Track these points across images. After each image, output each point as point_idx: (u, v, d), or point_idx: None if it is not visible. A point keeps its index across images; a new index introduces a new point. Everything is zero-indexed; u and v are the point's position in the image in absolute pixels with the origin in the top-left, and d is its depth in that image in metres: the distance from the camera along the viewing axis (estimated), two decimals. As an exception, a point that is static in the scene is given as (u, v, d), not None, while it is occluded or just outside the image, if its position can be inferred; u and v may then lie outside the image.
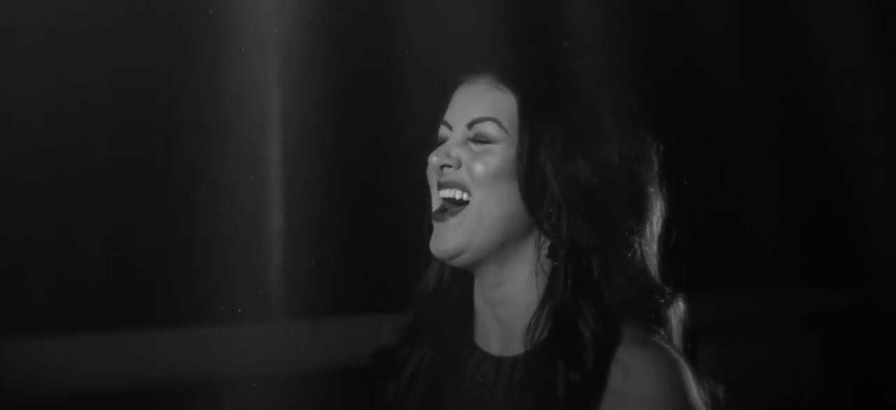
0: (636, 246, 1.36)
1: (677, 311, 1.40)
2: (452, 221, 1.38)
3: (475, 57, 1.45)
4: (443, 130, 1.44)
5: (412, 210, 1.46)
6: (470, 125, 1.39)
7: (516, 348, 1.39)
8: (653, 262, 1.39)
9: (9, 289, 2.64)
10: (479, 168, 1.36)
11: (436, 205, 1.42)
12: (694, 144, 3.93)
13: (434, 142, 1.44)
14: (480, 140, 1.38)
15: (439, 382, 1.45)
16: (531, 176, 1.34)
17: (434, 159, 1.40)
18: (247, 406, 2.92)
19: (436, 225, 1.40)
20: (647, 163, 1.39)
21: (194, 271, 2.80)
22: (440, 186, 1.41)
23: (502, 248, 1.38)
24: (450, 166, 1.39)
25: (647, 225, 1.38)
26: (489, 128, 1.37)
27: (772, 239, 4.24)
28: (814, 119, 4.35)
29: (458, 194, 1.38)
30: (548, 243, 1.36)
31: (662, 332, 1.36)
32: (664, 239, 1.42)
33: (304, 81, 3.03)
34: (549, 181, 1.34)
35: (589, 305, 1.33)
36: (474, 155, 1.37)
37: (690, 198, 1.51)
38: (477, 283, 1.44)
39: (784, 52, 4.27)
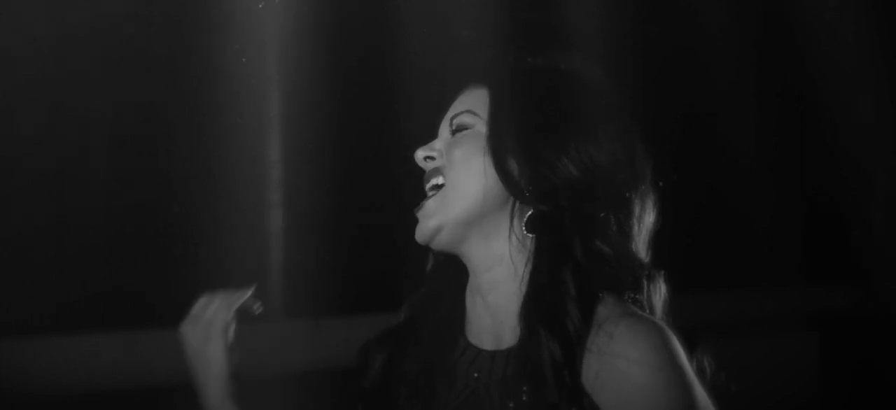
0: (614, 220, 1.38)
1: (660, 291, 1.41)
2: (430, 203, 1.42)
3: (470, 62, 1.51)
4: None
5: (412, 210, 1.47)
6: (451, 122, 1.46)
7: (509, 340, 1.40)
8: (638, 241, 1.41)
9: (9, 289, 2.64)
10: (455, 151, 1.42)
11: None
12: (694, 144, 3.93)
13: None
14: (458, 129, 1.44)
15: (432, 379, 1.46)
16: (501, 146, 1.38)
17: (419, 153, 1.46)
18: (247, 406, 2.92)
19: (418, 214, 1.44)
20: (628, 147, 1.41)
21: (194, 271, 2.80)
22: (426, 181, 1.46)
23: (482, 223, 1.40)
24: (432, 158, 1.45)
25: (631, 202, 1.40)
26: (464, 118, 1.44)
27: (772, 238, 4.24)
28: (815, 118, 4.35)
29: (439, 180, 1.43)
30: (528, 213, 1.39)
31: (645, 303, 1.38)
32: (650, 219, 1.44)
33: (303, 81, 3.04)
34: (520, 153, 1.38)
35: (567, 274, 1.34)
36: (452, 142, 1.44)
37: (679, 184, 1.52)
38: (470, 274, 1.46)
39: (784, 50, 4.27)
